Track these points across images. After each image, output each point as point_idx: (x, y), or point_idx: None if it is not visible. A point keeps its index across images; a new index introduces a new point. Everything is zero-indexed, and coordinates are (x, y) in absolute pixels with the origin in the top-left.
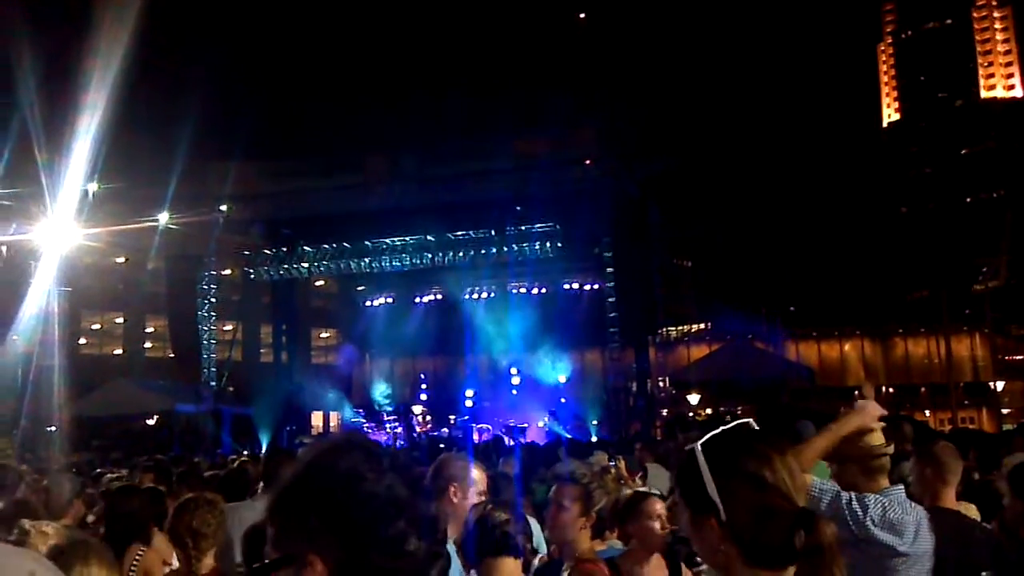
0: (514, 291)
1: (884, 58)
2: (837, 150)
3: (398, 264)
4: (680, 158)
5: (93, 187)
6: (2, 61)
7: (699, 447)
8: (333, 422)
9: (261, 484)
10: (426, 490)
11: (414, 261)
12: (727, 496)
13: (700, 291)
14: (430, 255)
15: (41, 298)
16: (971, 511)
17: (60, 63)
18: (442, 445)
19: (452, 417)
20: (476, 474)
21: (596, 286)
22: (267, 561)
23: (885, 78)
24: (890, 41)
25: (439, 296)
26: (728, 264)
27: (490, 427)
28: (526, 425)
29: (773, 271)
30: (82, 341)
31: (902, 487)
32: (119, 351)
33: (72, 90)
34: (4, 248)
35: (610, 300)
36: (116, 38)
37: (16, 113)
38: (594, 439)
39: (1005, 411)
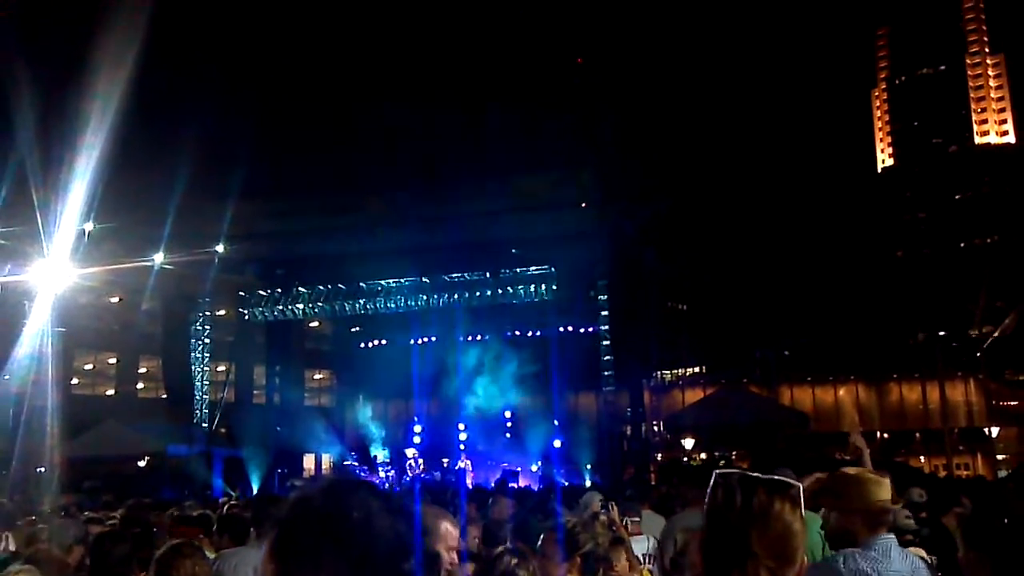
0: (509, 334)
1: (878, 103)
2: (832, 195)
3: (393, 306)
4: (676, 201)
5: (89, 227)
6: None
7: None
8: (325, 464)
9: (253, 530)
10: (425, 529)
11: (409, 303)
12: None
13: (695, 335)
14: (425, 297)
15: (35, 338)
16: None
17: (56, 103)
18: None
19: (445, 460)
20: (446, 527)
21: (591, 329)
22: None
23: (879, 123)
24: (884, 87)
25: (434, 338)
26: (723, 308)
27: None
28: (519, 469)
29: (768, 315)
30: (75, 381)
31: (892, 537)
32: (111, 391)
33: (68, 130)
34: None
35: (605, 343)
36: (113, 79)
37: (12, 152)
38: (588, 483)
39: (1000, 457)
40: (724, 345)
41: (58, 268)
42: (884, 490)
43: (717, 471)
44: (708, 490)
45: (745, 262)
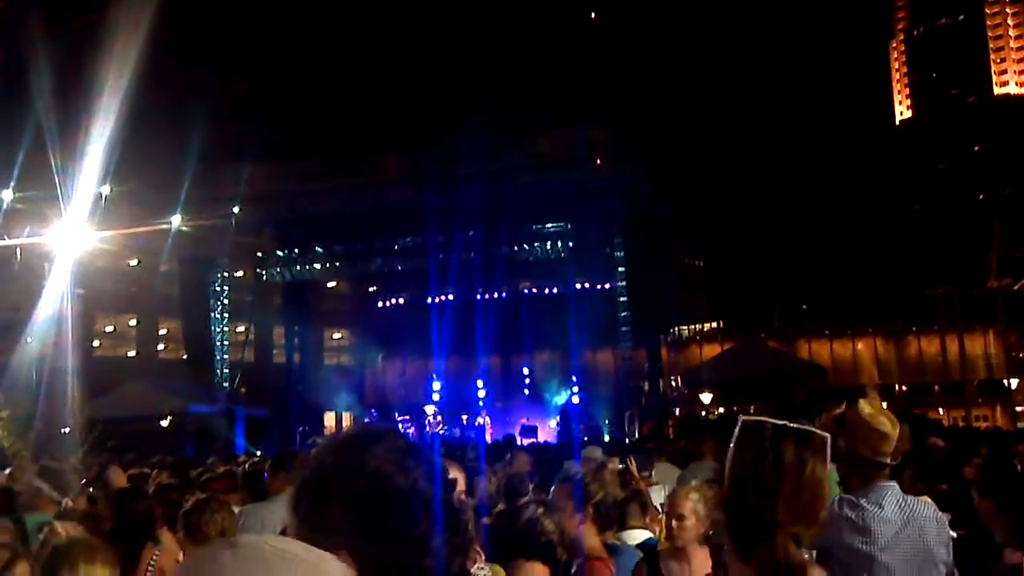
0: (526, 291)
1: (896, 55)
2: (850, 147)
3: (410, 265)
4: (691, 156)
5: (106, 190)
6: (16, 66)
7: None
8: (346, 423)
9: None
10: (448, 483)
11: (426, 262)
12: None
13: (712, 290)
14: (442, 255)
15: (55, 301)
16: None
17: (73, 67)
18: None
19: (464, 417)
20: (453, 475)
21: (608, 286)
22: None
23: (897, 75)
24: (902, 38)
25: (451, 296)
26: (740, 262)
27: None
28: (538, 425)
29: (785, 269)
30: (96, 343)
31: (891, 484)
32: (133, 353)
33: (85, 94)
34: (18, 251)
35: (622, 300)
36: (128, 42)
37: (30, 117)
38: (606, 439)
39: (1020, 408)
40: (741, 300)
41: (77, 231)
42: (888, 442)
43: (743, 417)
44: (733, 440)
45: (762, 216)
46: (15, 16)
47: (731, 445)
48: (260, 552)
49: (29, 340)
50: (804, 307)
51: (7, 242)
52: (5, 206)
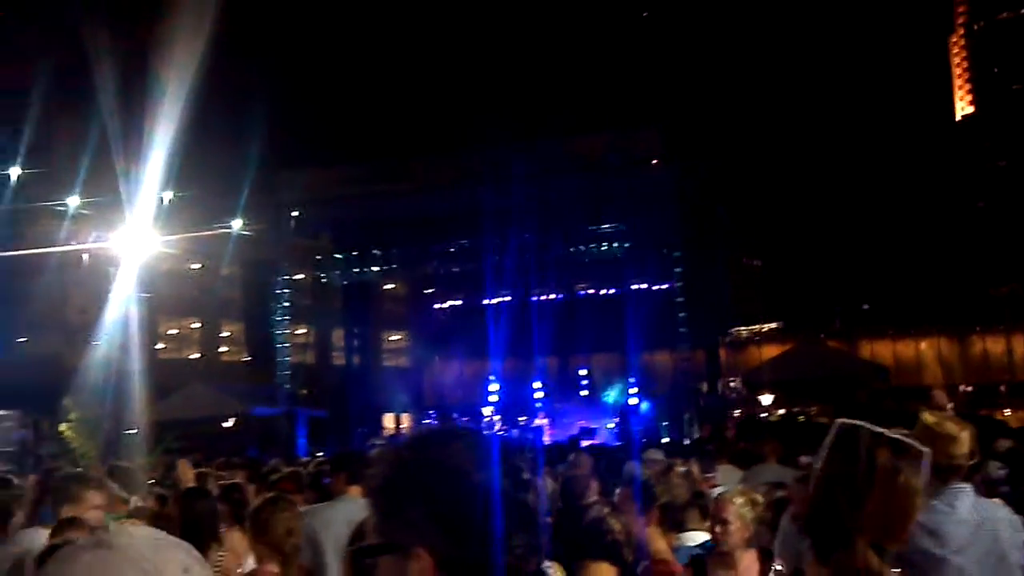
0: (582, 293)
1: (956, 50)
2: (910, 144)
3: (466, 267)
4: (749, 154)
5: (168, 195)
6: (82, 75)
7: None
8: (404, 424)
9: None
10: (527, 482)
11: (482, 264)
12: None
13: (771, 290)
14: (497, 257)
15: (121, 304)
16: None
17: (135, 76)
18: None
19: (522, 419)
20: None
21: (665, 286)
22: (370, 545)
23: (957, 71)
24: (962, 33)
25: (508, 298)
26: (799, 262)
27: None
28: (595, 427)
29: (846, 268)
30: (160, 346)
31: (964, 486)
32: (196, 355)
33: (147, 101)
34: (85, 256)
35: (679, 301)
36: (188, 49)
37: (95, 125)
38: (664, 440)
39: None
40: (801, 300)
41: (141, 236)
42: (959, 444)
43: (841, 420)
44: (827, 442)
45: (821, 215)
46: (79, 24)
47: (825, 447)
48: (125, 559)
49: (97, 343)
50: (865, 307)
51: (74, 247)
52: (72, 212)
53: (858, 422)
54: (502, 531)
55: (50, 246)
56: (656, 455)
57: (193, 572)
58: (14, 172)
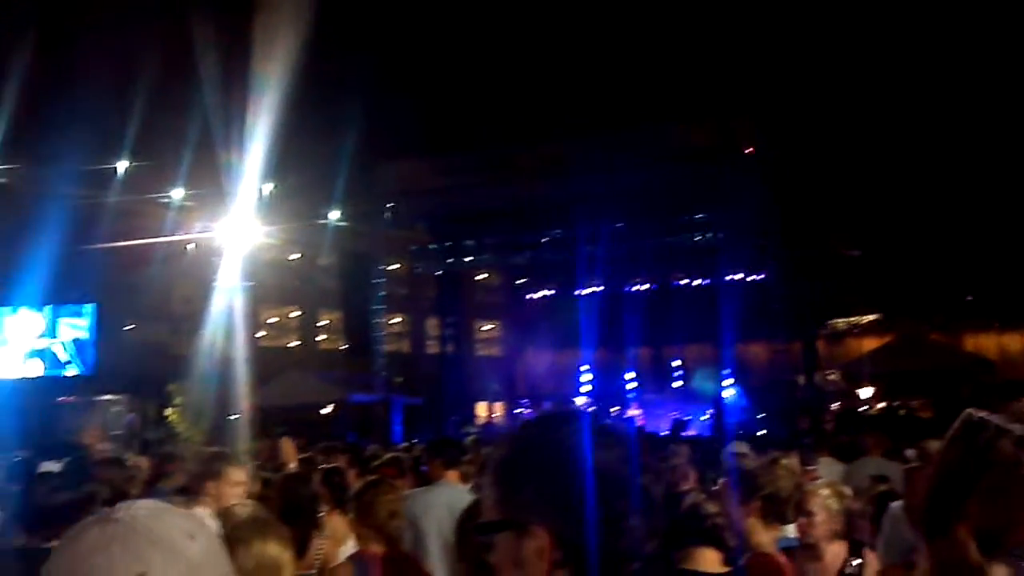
0: (676, 283)
1: None
2: (1017, 129)
3: (558, 257)
4: (848, 141)
5: (269, 187)
6: (185, 69)
7: None
8: (497, 412)
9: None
10: (645, 465)
11: (574, 254)
12: None
13: (870, 281)
14: (589, 247)
15: (224, 294)
16: None
17: (236, 69)
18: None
19: (614, 409)
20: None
21: (760, 277)
22: (489, 521)
23: None
24: None
25: (600, 288)
26: (900, 252)
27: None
28: (689, 418)
29: (948, 258)
30: (261, 334)
31: None
32: (295, 344)
33: (248, 94)
34: (190, 247)
35: (775, 292)
36: (289, 42)
37: (198, 118)
38: (760, 433)
39: None
40: (901, 291)
41: (243, 227)
42: None
43: (968, 411)
44: (951, 432)
45: (923, 203)
46: (181, 19)
47: (947, 437)
48: (131, 531)
49: (201, 331)
50: (969, 298)
51: (179, 237)
52: (176, 204)
53: (985, 414)
54: (621, 513)
55: (156, 238)
56: (742, 448)
57: (199, 537)
58: (120, 166)
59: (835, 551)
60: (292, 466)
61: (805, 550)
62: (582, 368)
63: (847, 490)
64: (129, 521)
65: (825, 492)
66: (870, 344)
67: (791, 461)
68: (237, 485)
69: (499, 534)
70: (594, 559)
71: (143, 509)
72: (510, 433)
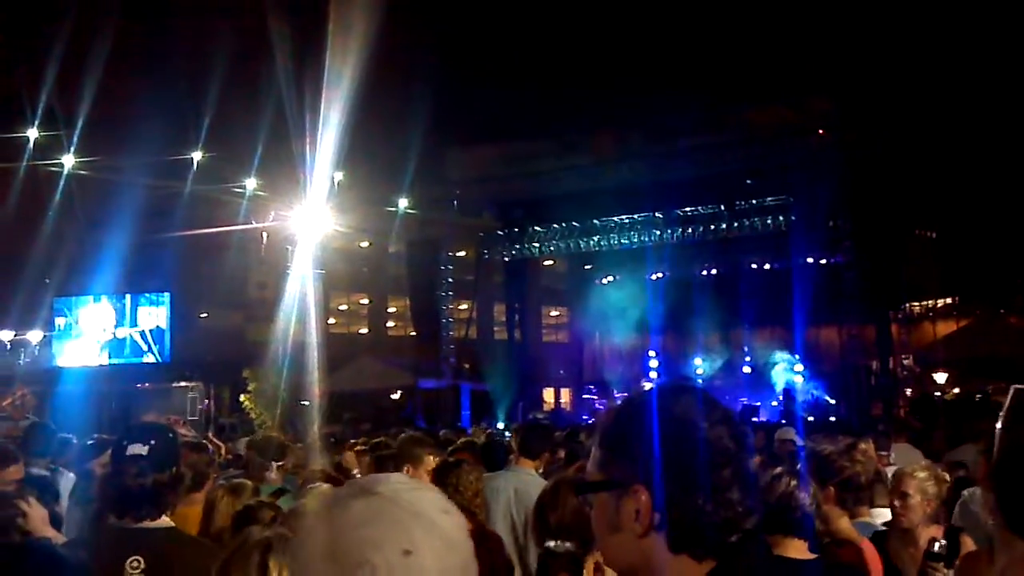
0: (746, 267)
1: None
2: None
3: (627, 242)
4: (923, 121)
5: (339, 176)
6: (256, 60)
7: None
8: (564, 398)
9: (514, 456)
10: (750, 446)
11: (643, 239)
12: None
13: (946, 263)
14: (658, 232)
15: (297, 281)
16: None
17: (306, 59)
18: None
19: None
20: None
21: (832, 260)
22: (591, 480)
23: None
24: None
25: (668, 273)
26: (977, 233)
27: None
28: (759, 404)
29: None
30: (331, 321)
31: None
32: (364, 330)
33: (319, 84)
34: (264, 235)
35: (848, 275)
36: (359, 31)
37: (271, 108)
38: (832, 419)
39: None
40: (978, 273)
41: (315, 215)
42: None
43: (1016, 386)
44: (1004, 408)
45: (1001, 183)
46: (253, 9)
47: (1002, 414)
48: (395, 505)
49: (274, 318)
50: None
51: (253, 226)
52: (250, 193)
53: None
54: (724, 484)
55: (230, 226)
56: (788, 435)
57: (452, 514)
58: (196, 156)
59: (929, 536)
60: (355, 472)
61: (899, 534)
62: (649, 353)
63: (946, 475)
64: (392, 496)
65: (923, 475)
66: (945, 328)
67: (868, 446)
68: (430, 472)
69: (598, 495)
70: (694, 524)
71: (401, 483)
72: (626, 399)
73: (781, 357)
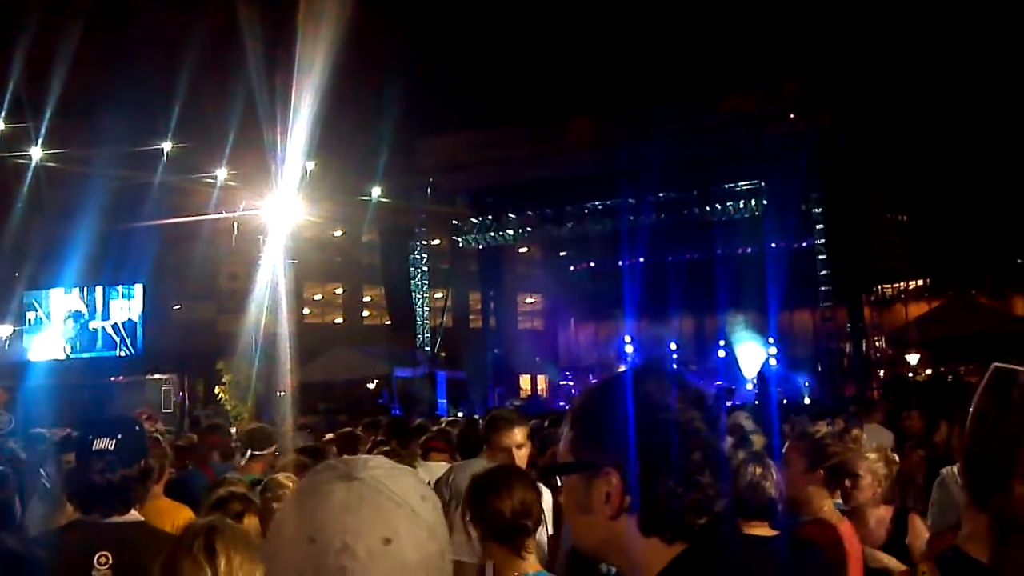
0: (720, 252)
1: None
2: None
3: (600, 228)
4: (892, 104)
5: (311, 165)
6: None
7: None
8: (540, 385)
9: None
10: (723, 429)
11: (616, 225)
12: None
13: (917, 246)
14: (632, 218)
15: (269, 271)
16: None
17: (277, 48)
18: None
19: None
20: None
21: (805, 244)
22: (562, 463)
23: None
24: None
25: (642, 259)
26: (947, 215)
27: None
28: (734, 388)
29: (997, 222)
30: (306, 311)
31: None
32: (339, 320)
33: (290, 73)
34: (235, 225)
35: (820, 258)
36: (330, 20)
37: (241, 97)
38: (806, 401)
39: None
40: (949, 255)
41: (287, 205)
42: None
43: (995, 364)
44: (981, 386)
45: (971, 166)
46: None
47: (978, 391)
48: (377, 492)
49: (247, 309)
50: (1019, 261)
51: (224, 215)
52: (221, 183)
53: (1015, 366)
54: (695, 466)
55: (201, 216)
56: (739, 419)
57: (429, 500)
58: (166, 146)
59: (879, 516)
60: None
61: (848, 515)
62: (625, 339)
63: (895, 456)
64: (372, 482)
65: (872, 456)
66: (917, 309)
67: (859, 433)
68: (519, 447)
69: (569, 476)
70: (665, 507)
71: (380, 468)
72: (595, 383)
73: (755, 340)
